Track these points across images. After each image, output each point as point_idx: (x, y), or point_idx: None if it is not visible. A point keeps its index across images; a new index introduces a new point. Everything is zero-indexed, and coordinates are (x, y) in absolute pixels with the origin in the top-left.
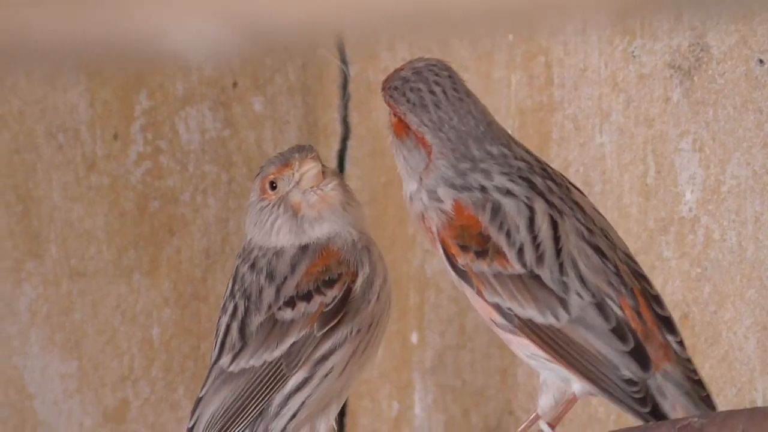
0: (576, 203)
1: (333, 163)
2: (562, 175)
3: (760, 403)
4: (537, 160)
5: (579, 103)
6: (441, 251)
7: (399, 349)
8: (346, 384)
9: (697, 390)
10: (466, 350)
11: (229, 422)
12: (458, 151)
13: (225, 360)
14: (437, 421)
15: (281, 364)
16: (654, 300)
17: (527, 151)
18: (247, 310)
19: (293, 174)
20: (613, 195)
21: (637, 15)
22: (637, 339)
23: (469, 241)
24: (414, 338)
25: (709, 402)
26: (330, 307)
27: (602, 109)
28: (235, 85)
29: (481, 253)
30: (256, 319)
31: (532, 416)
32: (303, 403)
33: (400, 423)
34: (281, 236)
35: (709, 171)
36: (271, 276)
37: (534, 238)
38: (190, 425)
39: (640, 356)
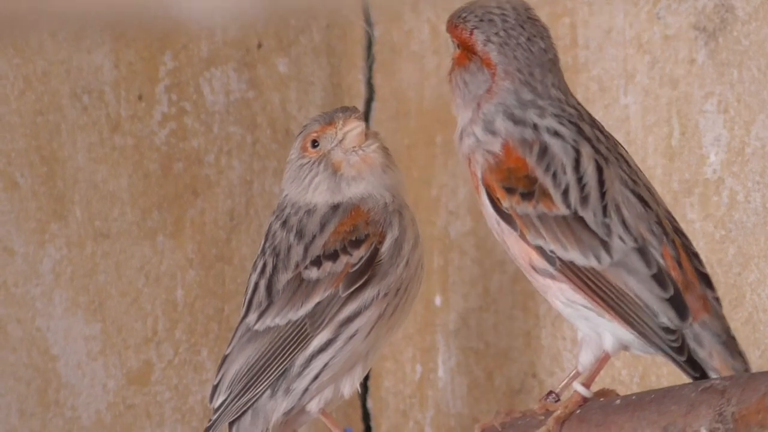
0: (621, 155)
1: None
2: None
3: None
4: (586, 112)
5: (604, 65)
6: (484, 195)
7: (422, 311)
8: (373, 347)
9: (733, 343)
10: (489, 312)
11: (253, 380)
12: (523, 74)
13: (251, 318)
14: (460, 384)
15: (305, 324)
16: (694, 256)
17: (578, 102)
18: (275, 267)
19: (336, 132)
20: (638, 157)
21: None
22: (677, 287)
23: (516, 183)
24: (437, 301)
25: (744, 358)
26: (356, 267)
27: (627, 70)
28: (259, 46)
29: (526, 195)
30: (284, 278)
31: (572, 373)
32: (326, 364)
33: (423, 385)
34: (317, 193)
35: (733, 132)
36: (300, 234)
37: (579, 179)
38: (215, 382)
39: (678, 304)
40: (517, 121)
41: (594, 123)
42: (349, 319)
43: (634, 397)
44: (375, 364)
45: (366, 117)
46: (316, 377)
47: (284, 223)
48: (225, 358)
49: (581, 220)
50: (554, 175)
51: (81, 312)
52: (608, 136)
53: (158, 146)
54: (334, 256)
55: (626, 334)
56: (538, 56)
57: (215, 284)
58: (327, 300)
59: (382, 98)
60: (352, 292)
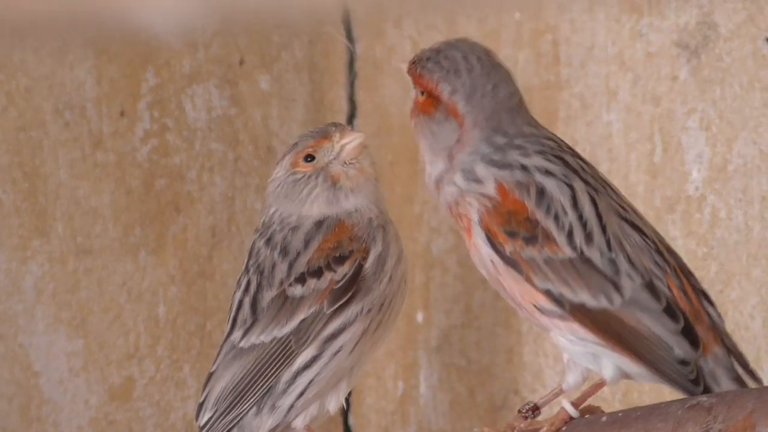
0: (604, 180)
1: None
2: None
3: (766, 383)
4: (561, 140)
5: (586, 81)
6: (481, 239)
7: (405, 328)
8: (357, 363)
9: (743, 374)
10: (471, 329)
11: (239, 397)
12: (493, 122)
13: (236, 335)
14: (442, 401)
15: (290, 341)
16: (691, 275)
17: (551, 132)
18: (259, 285)
19: (333, 145)
20: (620, 174)
21: None
22: (687, 318)
23: (517, 227)
24: (419, 317)
25: (755, 376)
26: (340, 284)
27: (609, 87)
28: (241, 62)
29: (530, 239)
30: (268, 295)
31: (555, 389)
32: (311, 381)
33: (405, 402)
34: (315, 206)
35: (715, 149)
36: (284, 251)
37: (580, 217)
38: (201, 400)
39: (690, 335)
40: (501, 165)
41: (573, 151)
42: (334, 336)
43: (620, 414)
44: (357, 380)
45: None
46: (301, 394)
47: (268, 241)
48: (210, 375)
49: (588, 262)
50: (556, 218)
51: (63, 328)
52: (588, 162)
53: (140, 162)
54: (318, 273)
55: (637, 368)
56: (505, 102)
57: (197, 300)
58: (312, 317)
59: (364, 114)
60: (337, 309)
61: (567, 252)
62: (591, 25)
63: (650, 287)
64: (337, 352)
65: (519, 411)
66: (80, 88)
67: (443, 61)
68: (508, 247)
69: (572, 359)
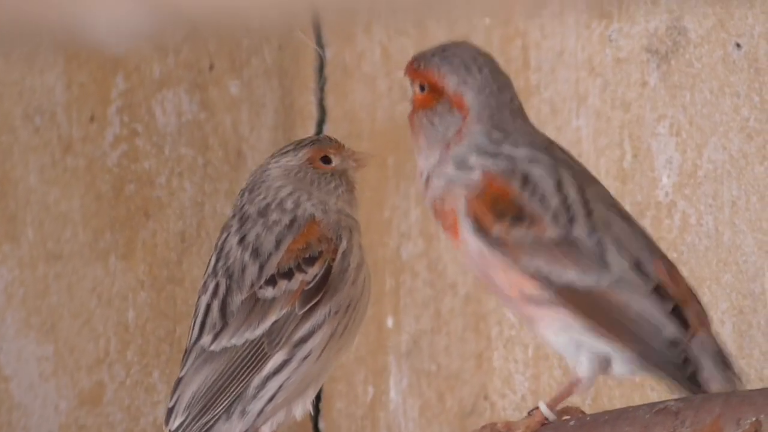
0: (594, 178)
1: None
2: None
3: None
4: (556, 143)
5: (556, 87)
6: (468, 230)
7: (374, 333)
8: (324, 368)
9: (728, 363)
10: (441, 334)
11: (211, 401)
12: (495, 119)
13: (206, 339)
14: (412, 406)
15: (263, 343)
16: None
17: (546, 135)
18: (228, 288)
19: (347, 155)
20: None
21: None
22: (675, 300)
23: (504, 209)
24: (389, 322)
25: (738, 378)
26: (311, 284)
27: (579, 92)
28: (211, 67)
29: (517, 220)
30: (238, 298)
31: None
32: (281, 386)
33: (375, 407)
34: (341, 201)
35: (685, 155)
36: (256, 253)
37: (564, 200)
38: (171, 405)
39: (679, 317)
40: (492, 155)
41: (564, 150)
42: (303, 340)
43: (588, 419)
44: (327, 385)
45: None
46: (271, 399)
47: (242, 240)
48: (180, 380)
49: (574, 242)
50: (541, 199)
51: (33, 333)
52: (577, 161)
53: (110, 168)
54: (289, 274)
55: (623, 353)
56: (507, 104)
57: (166, 306)
58: (284, 318)
59: (334, 120)
60: (308, 310)
61: (553, 232)
62: (561, 31)
63: (638, 267)
64: (306, 356)
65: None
66: (50, 93)
67: (451, 57)
68: (495, 231)
69: (559, 351)
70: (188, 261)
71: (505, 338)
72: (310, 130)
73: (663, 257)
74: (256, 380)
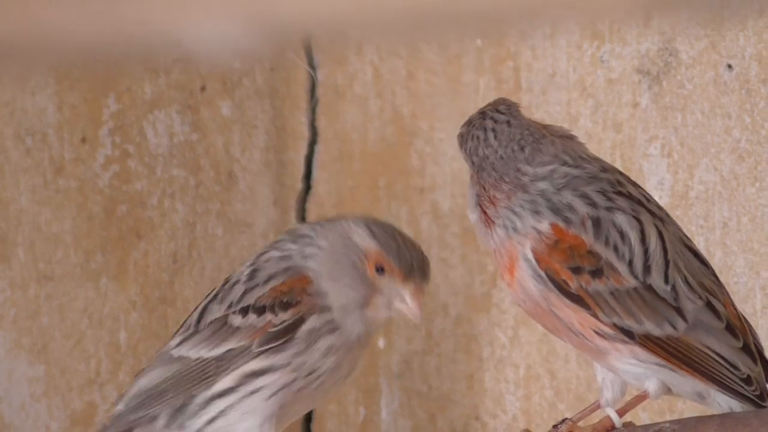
0: (665, 211)
1: (301, 168)
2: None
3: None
4: (615, 168)
5: (547, 108)
6: (530, 275)
7: (366, 353)
8: (280, 412)
9: None
10: (432, 355)
11: (149, 400)
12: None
13: (175, 340)
14: (403, 427)
15: (212, 365)
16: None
17: (603, 162)
18: (215, 296)
19: (404, 289)
20: None
21: (606, 20)
22: (744, 335)
23: (581, 262)
24: (381, 343)
25: None
26: (277, 328)
27: (570, 114)
28: (203, 88)
29: (595, 273)
30: (215, 312)
31: (593, 404)
32: (223, 411)
33: (366, 428)
34: (370, 308)
35: (677, 176)
36: (251, 276)
37: (645, 250)
38: (123, 393)
39: (749, 352)
40: (556, 206)
41: (631, 181)
42: (256, 374)
43: None
44: (318, 406)
45: (309, 159)
46: (211, 421)
47: (262, 254)
48: (140, 372)
49: (650, 289)
50: (615, 248)
51: (24, 354)
52: (648, 194)
53: (101, 189)
54: (260, 311)
55: (705, 387)
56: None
57: (158, 326)
58: (239, 350)
59: (325, 140)
60: (267, 350)
61: (631, 281)
62: (552, 52)
63: (710, 307)
64: (256, 391)
65: (553, 426)
66: (42, 114)
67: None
68: (573, 284)
69: (604, 380)
70: (180, 282)
71: (496, 359)
72: (301, 151)
73: (726, 292)
74: (201, 398)
